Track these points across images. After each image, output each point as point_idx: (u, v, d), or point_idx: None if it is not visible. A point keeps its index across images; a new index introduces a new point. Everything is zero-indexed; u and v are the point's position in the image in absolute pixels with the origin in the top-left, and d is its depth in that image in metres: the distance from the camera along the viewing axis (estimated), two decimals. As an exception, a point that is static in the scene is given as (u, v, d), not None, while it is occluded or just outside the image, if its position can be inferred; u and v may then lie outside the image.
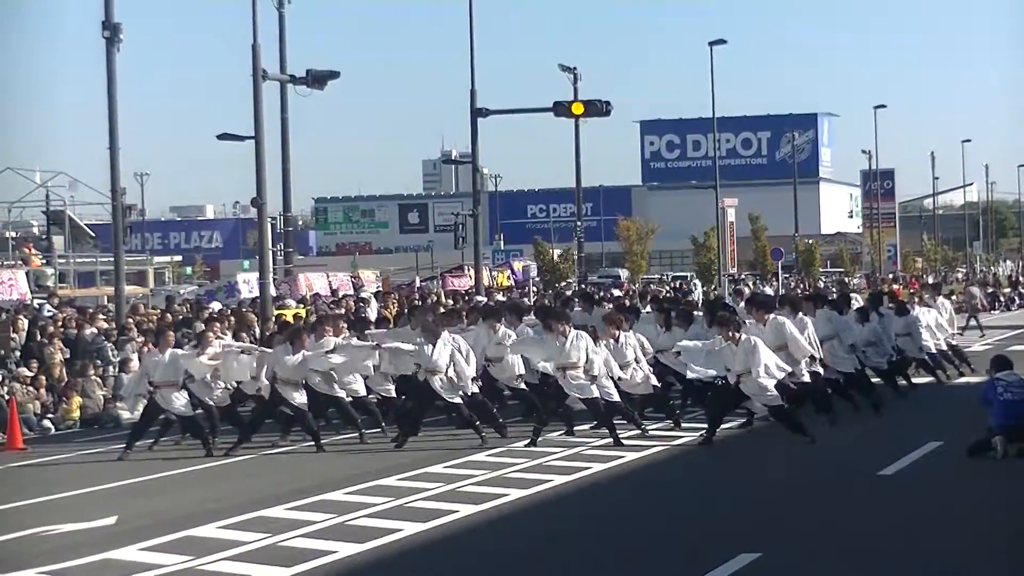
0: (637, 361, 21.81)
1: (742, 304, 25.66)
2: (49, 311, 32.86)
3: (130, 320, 31.54)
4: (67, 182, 62.77)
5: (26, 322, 29.57)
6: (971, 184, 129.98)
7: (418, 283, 52.31)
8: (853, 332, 24.03)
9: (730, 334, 19.82)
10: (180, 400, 21.38)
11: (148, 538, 14.31)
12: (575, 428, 21.62)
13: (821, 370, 21.96)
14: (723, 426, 20.77)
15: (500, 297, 40.25)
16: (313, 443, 21.19)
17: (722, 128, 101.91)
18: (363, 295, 41.41)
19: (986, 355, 35.38)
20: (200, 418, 21.78)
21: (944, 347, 29.21)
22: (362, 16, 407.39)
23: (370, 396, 23.12)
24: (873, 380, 24.37)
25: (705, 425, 20.53)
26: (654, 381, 22.06)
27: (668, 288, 59.05)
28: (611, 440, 20.31)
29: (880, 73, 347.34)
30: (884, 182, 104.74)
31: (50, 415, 26.15)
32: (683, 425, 21.98)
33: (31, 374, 26.65)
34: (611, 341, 21.56)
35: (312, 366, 21.70)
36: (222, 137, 36.37)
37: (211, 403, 22.05)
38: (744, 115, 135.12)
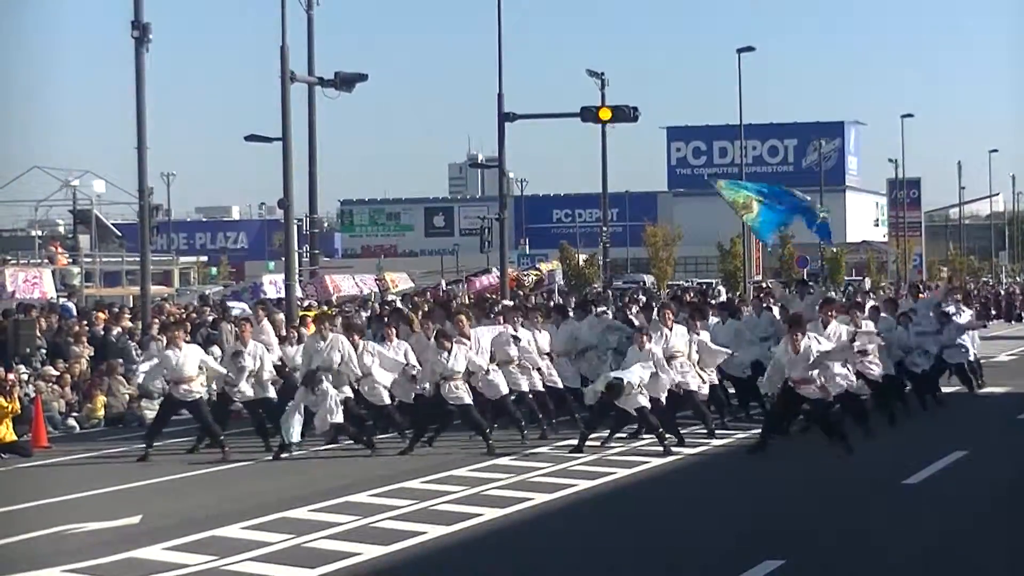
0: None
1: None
2: (72, 311, 32.98)
3: (155, 320, 31.59)
4: (94, 181, 62.99)
5: (55, 319, 29.65)
6: (997, 194, 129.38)
7: (444, 286, 52.23)
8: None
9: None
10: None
11: (173, 537, 14.34)
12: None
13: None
14: (745, 435, 20.74)
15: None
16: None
17: (749, 135, 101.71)
18: (389, 298, 41.42)
19: (1010, 366, 35.65)
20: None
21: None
22: (390, 19, 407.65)
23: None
24: None
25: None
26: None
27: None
28: (634, 445, 20.39)
29: (907, 82, 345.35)
30: (910, 191, 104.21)
31: (75, 414, 26.19)
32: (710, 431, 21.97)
33: (56, 373, 26.68)
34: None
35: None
36: (249, 139, 36.43)
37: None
38: (771, 122, 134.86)
